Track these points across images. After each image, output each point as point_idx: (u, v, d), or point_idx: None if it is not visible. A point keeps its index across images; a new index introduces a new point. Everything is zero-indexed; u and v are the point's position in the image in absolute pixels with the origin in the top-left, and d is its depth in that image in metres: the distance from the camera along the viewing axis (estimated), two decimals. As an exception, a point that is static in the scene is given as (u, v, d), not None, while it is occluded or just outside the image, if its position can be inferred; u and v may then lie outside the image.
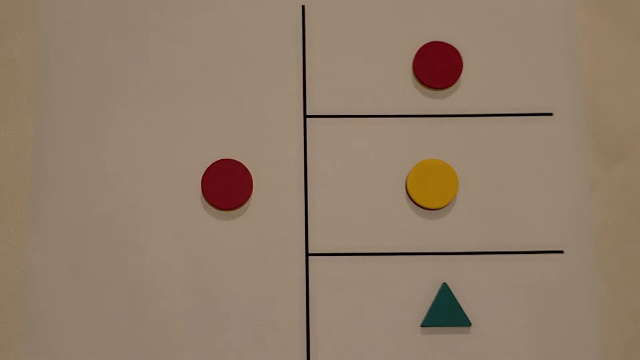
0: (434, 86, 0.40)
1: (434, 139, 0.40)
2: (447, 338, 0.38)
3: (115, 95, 0.40)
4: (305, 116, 0.40)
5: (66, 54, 0.40)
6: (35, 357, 0.37)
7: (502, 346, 0.38)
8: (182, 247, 0.38)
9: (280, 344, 0.37)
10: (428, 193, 0.38)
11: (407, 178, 0.39)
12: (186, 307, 0.38)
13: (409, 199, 0.39)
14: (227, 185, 0.38)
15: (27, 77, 0.40)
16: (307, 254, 0.38)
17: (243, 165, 0.39)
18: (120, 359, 0.37)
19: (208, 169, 0.39)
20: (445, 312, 0.37)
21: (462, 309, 0.37)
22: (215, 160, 0.39)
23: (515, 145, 0.40)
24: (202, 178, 0.38)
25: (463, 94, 0.40)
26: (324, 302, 0.38)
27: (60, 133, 0.39)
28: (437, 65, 0.40)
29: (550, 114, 0.40)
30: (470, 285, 0.38)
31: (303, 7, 0.41)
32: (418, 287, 0.38)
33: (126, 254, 0.38)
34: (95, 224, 0.38)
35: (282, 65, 0.40)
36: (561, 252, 0.39)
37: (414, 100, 0.40)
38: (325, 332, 0.38)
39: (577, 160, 0.40)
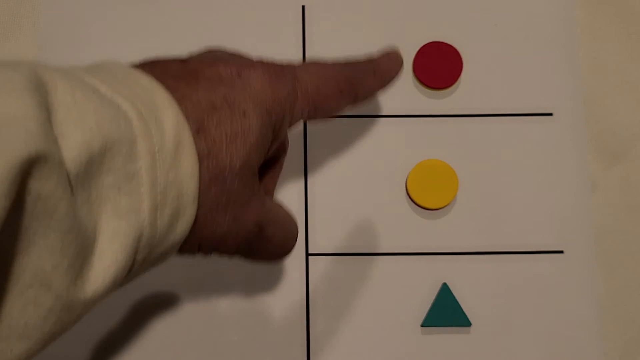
0: (434, 86, 0.40)
1: (434, 139, 0.40)
2: (447, 338, 0.38)
3: (115, 96, 0.40)
4: (305, 116, 0.40)
5: (66, 54, 0.40)
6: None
7: (502, 346, 0.38)
8: (182, 247, 0.38)
9: (280, 344, 0.37)
10: (428, 193, 0.38)
11: (407, 178, 0.39)
12: (186, 307, 0.38)
13: (409, 199, 0.39)
14: (227, 185, 0.38)
15: (27, 77, 0.40)
16: (307, 254, 0.38)
17: (243, 165, 0.39)
18: (119, 359, 0.37)
19: (208, 169, 0.38)
20: (445, 312, 0.37)
21: (462, 309, 0.37)
22: (215, 160, 0.39)
23: (515, 145, 0.40)
24: (202, 178, 0.38)
25: (463, 94, 0.40)
26: (324, 302, 0.38)
27: (60, 133, 0.39)
28: (437, 65, 0.40)
29: (550, 114, 0.40)
30: (470, 285, 0.38)
31: (303, 7, 0.41)
32: (418, 287, 0.38)
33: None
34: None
35: (282, 65, 0.40)
36: (561, 252, 0.39)
37: (414, 100, 0.40)
38: (325, 332, 0.38)
39: (577, 160, 0.40)
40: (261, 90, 0.26)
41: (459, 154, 0.39)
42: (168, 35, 0.40)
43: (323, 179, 0.39)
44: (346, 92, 0.30)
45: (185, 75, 0.25)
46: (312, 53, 0.40)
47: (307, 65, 0.29)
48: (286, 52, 0.40)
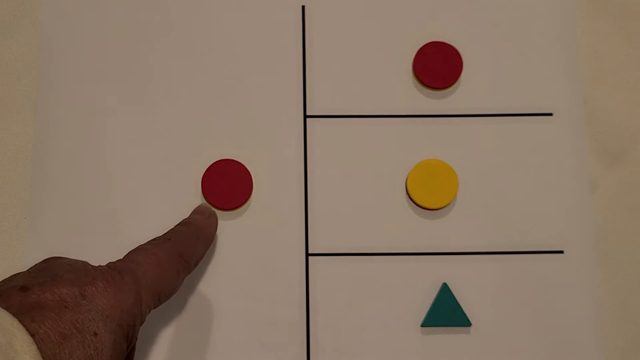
0: (434, 86, 0.40)
1: (434, 139, 0.40)
2: (447, 338, 0.38)
3: (115, 95, 0.40)
4: (305, 116, 0.40)
5: (66, 54, 0.40)
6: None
7: (502, 346, 0.38)
8: (182, 247, 0.38)
9: (281, 343, 0.37)
10: (428, 193, 0.38)
11: (407, 178, 0.39)
12: (186, 307, 0.38)
13: (409, 199, 0.39)
14: (227, 185, 0.38)
15: (27, 78, 0.40)
16: (307, 254, 0.38)
17: (243, 165, 0.39)
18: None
19: (208, 169, 0.39)
20: (445, 312, 0.37)
21: (462, 309, 0.38)
22: (215, 160, 0.39)
23: (515, 145, 0.40)
24: (202, 178, 0.38)
25: (463, 94, 0.40)
26: (324, 302, 0.38)
27: (60, 133, 0.39)
28: (437, 65, 0.40)
29: (550, 114, 0.40)
30: (470, 285, 0.38)
31: (303, 7, 0.41)
32: (418, 287, 0.38)
33: (126, 254, 0.38)
34: (95, 224, 0.38)
35: (282, 65, 0.40)
36: (561, 252, 0.39)
37: (414, 100, 0.40)
38: (325, 332, 0.38)
39: (577, 160, 0.40)
40: (108, 305, 0.26)
41: (459, 154, 0.39)
42: (168, 35, 0.40)
43: (323, 179, 0.39)
44: (182, 269, 0.32)
45: (29, 310, 0.24)
46: (312, 53, 0.40)
47: (139, 258, 0.30)
48: (286, 52, 0.40)
